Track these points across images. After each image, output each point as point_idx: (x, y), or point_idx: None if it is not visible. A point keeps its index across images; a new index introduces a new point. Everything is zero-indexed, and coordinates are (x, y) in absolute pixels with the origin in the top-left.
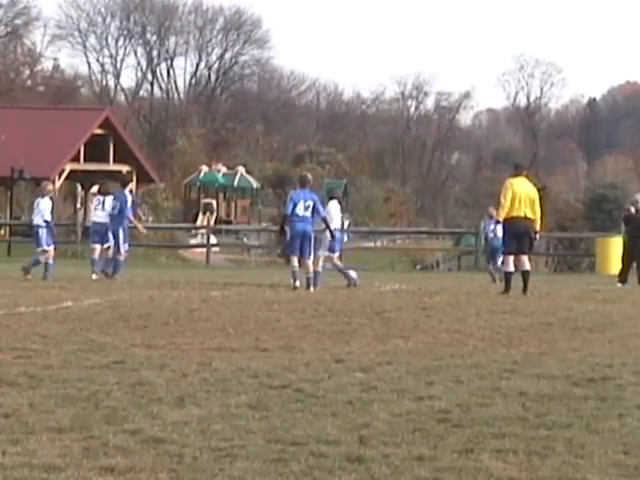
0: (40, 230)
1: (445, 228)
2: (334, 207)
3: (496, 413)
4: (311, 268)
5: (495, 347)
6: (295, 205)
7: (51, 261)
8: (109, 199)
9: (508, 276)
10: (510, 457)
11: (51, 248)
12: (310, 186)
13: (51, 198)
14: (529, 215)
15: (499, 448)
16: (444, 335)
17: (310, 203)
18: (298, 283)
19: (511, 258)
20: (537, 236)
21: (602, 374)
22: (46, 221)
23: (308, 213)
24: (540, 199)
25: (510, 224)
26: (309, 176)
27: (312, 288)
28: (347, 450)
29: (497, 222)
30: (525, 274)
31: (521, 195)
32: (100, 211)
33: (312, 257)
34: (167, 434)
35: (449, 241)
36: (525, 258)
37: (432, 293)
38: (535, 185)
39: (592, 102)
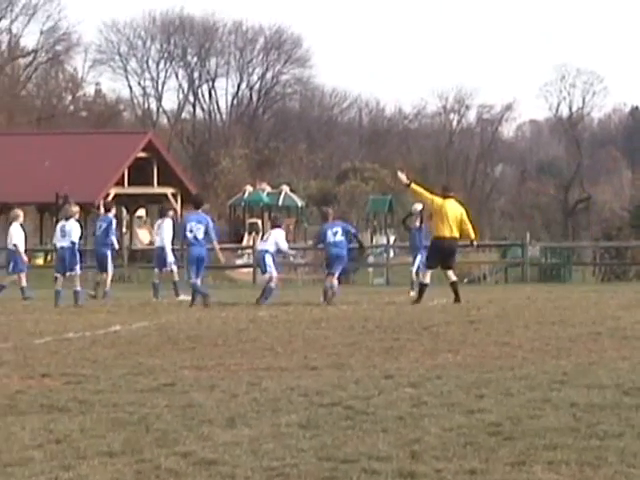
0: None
1: (491, 240)
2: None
3: (547, 424)
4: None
5: (544, 358)
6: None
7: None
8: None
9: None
10: (562, 468)
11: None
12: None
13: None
14: (454, 234)
15: (551, 460)
16: (493, 348)
17: (338, 229)
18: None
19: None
20: (474, 243)
21: None
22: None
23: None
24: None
25: (436, 242)
26: (330, 211)
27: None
28: (399, 466)
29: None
30: (454, 284)
31: (449, 215)
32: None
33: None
34: (218, 455)
35: (495, 253)
36: (450, 272)
37: (479, 306)
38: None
39: (635, 110)
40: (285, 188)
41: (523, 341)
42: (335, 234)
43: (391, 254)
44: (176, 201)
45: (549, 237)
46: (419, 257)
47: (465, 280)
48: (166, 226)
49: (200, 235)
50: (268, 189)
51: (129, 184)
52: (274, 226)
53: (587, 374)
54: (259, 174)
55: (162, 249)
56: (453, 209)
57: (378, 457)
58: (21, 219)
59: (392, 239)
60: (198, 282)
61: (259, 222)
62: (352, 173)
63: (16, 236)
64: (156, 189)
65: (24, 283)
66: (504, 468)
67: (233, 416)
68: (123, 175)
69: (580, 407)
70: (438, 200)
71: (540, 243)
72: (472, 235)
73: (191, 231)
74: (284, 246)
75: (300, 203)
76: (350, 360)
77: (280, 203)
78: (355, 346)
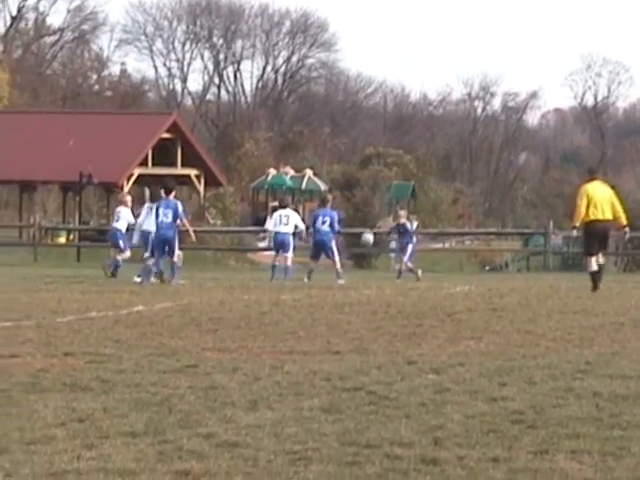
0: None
1: (513, 229)
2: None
3: (570, 414)
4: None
5: (567, 348)
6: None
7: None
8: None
9: (594, 275)
10: (585, 458)
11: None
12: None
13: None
14: (607, 217)
15: (574, 449)
16: (516, 336)
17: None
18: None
19: (593, 259)
20: (627, 230)
21: None
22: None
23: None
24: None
25: (589, 227)
26: (329, 197)
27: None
28: (421, 452)
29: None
30: (600, 267)
31: (598, 198)
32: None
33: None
34: (241, 438)
35: (517, 242)
36: (600, 255)
37: (502, 294)
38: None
39: None
40: (308, 172)
41: (546, 330)
42: (324, 223)
43: (414, 240)
44: (199, 183)
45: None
46: (410, 247)
47: (487, 268)
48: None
49: (168, 219)
50: (291, 172)
51: (153, 165)
52: (283, 206)
53: (610, 364)
54: (282, 157)
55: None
56: (601, 191)
57: (401, 443)
58: (129, 203)
59: (414, 225)
60: (151, 262)
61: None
62: (375, 158)
63: (128, 217)
64: (180, 170)
65: (122, 258)
66: (527, 456)
67: (256, 399)
68: (147, 156)
69: (603, 397)
70: (584, 186)
71: (563, 232)
72: (624, 219)
73: (160, 216)
74: (302, 226)
75: (323, 187)
76: (373, 345)
77: (303, 187)
78: (378, 331)
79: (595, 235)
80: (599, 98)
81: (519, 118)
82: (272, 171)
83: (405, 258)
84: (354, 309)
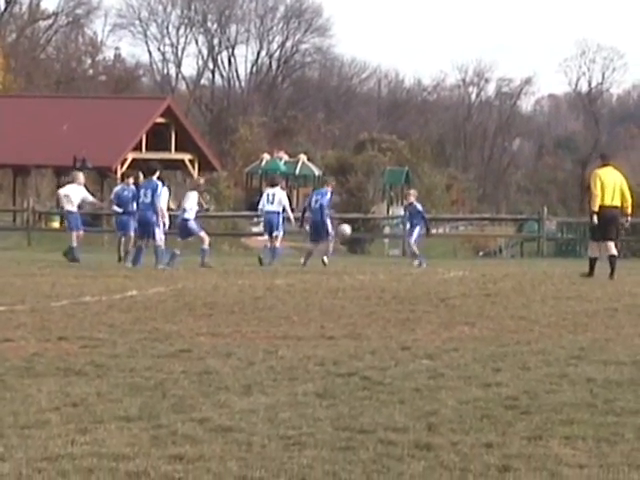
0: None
1: (507, 215)
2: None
3: (564, 400)
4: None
5: (561, 333)
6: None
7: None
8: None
9: (592, 262)
10: (579, 444)
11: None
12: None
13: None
14: (616, 203)
15: (568, 435)
16: (509, 322)
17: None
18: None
19: (596, 245)
20: (628, 219)
21: None
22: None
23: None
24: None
25: (598, 213)
26: (328, 180)
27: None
28: (415, 437)
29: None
30: (612, 259)
31: (609, 184)
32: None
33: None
34: (235, 422)
35: (511, 227)
36: (612, 244)
37: (496, 280)
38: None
39: None
40: (302, 157)
41: (540, 316)
42: (316, 202)
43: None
44: (194, 167)
45: (566, 212)
46: (417, 229)
47: (480, 253)
48: (192, 197)
49: (147, 199)
50: (285, 158)
51: (147, 149)
52: (273, 184)
53: (604, 350)
54: (277, 143)
55: (186, 220)
56: (612, 177)
57: (395, 428)
58: (201, 187)
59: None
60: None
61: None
62: (369, 144)
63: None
64: (174, 155)
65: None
66: (521, 442)
67: (250, 384)
68: (141, 140)
69: (597, 383)
70: (596, 172)
71: (557, 218)
72: (629, 208)
73: (141, 196)
74: (288, 205)
75: (317, 172)
76: (367, 330)
77: (297, 172)
78: (372, 317)
79: (602, 221)
80: (593, 84)
81: (513, 104)
82: (266, 156)
83: (411, 239)
84: (348, 294)
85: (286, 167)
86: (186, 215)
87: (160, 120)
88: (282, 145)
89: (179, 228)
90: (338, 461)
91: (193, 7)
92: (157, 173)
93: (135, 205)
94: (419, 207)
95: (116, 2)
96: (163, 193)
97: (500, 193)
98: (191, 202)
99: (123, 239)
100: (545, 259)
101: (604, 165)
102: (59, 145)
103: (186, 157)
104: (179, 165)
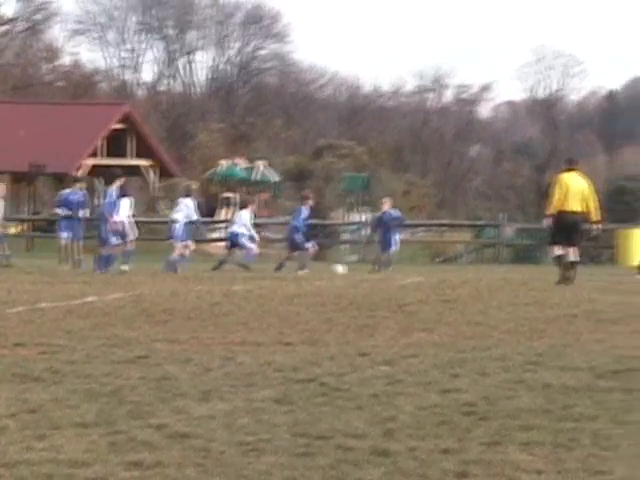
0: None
1: (466, 220)
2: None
3: (521, 405)
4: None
5: (519, 339)
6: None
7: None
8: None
9: (558, 260)
10: (536, 449)
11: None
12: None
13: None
14: (580, 209)
15: (525, 440)
16: (467, 328)
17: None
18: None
19: (556, 247)
20: (599, 226)
21: (627, 366)
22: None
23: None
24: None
25: (559, 217)
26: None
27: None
28: (373, 443)
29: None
30: (572, 264)
31: (573, 189)
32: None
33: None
34: (193, 429)
35: (470, 233)
36: (572, 249)
37: (454, 286)
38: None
39: (611, 94)
40: (260, 163)
41: (498, 322)
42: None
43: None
44: (154, 173)
45: (524, 218)
46: (397, 237)
47: (439, 259)
48: (187, 204)
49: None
50: (243, 164)
51: (105, 155)
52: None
53: (562, 356)
54: (235, 148)
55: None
56: (576, 183)
57: (353, 434)
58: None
59: (364, 217)
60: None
61: (234, 196)
62: (328, 150)
63: (185, 209)
64: (132, 161)
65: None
66: (478, 448)
67: (208, 390)
68: (99, 146)
69: (554, 389)
70: (560, 176)
71: (515, 224)
72: (594, 215)
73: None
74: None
75: (275, 178)
76: (325, 337)
77: (255, 178)
78: (330, 323)
79: (562, 226)
80: (551, 91)
81: (471, 110)
82: (224, 162)
83: (392, 249)
84: (305, 300)
85: (244, 173)
86: (235, 229)
87: (118, 126)
88: (241, 151)
89: (230, 241)
90: (297, 467)
91: (151, 13)
92: (118, 181)
93: (88, 211)
94: (395, 214)
95: (74, 8)
96: (123, 202)
97: (459, 199)
98: (188, 210)
99: (64, 243)
100: (503, 265)
101: (569, 170)
102: (16, 151)
103: (145, 163)
104: (138, 171)
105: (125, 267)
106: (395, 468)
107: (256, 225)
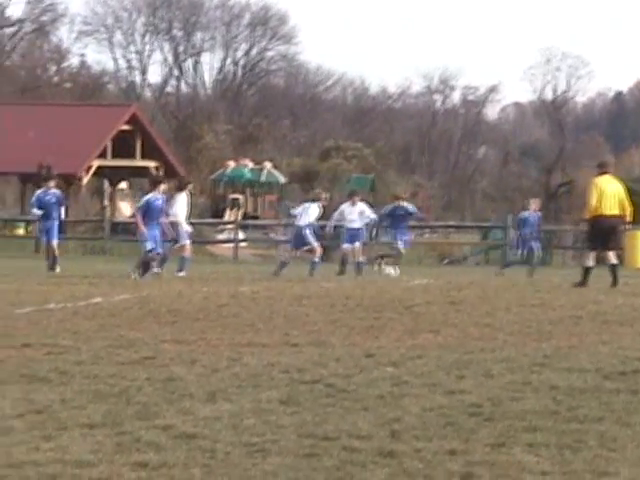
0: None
1: (472, 222)
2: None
3: (527, 407)
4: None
5: (525, 341)
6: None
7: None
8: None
9: (587, 271)
10: (542, 451)
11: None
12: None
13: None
14: (616, 212)
15: (531, 442)
16: (474, 329)
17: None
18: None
19: (592, 254)
20: (626, 226)
21: (633, 367)
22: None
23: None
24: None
25: (596, 221)
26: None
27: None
28: (379, 445)
29: None
30: (613, 268)
31: (608, 193)
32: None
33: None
34: (199, 429)
35: (477, 235)
36: (612, 253)
37: (461, 287)
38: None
39: (619, 95)
40: (267, 164)
41: (504, 323)
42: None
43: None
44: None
45: None
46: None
47: (445, 261)
48: (181, 200)
49: None
50: (250, 165)
51: (112, 156)
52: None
53: (568, 357)
54: (242, 150)
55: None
56: (611, 186)
57: (358, 435)
58: (189, 187)
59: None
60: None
61: (241, 198)
62: (335, 151)
63: (179, 205)
64: (139, 162)
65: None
66: (484, 449)
67: (214, 391)
68: (106, 147)
69: (560, 390)
70: (595, 180)
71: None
72: (628, 217)
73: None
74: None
75: (282, 180)
76: (331, 338)
77: (262, 179)
78: (336, 324)
79: (600, 230)
80: (558, 92)
81: (478, 112)
82: (231, 163)
83: (401, 244)
84: (312, 301)
85: (251, 174)
86: (301, 223)
87: (125, 127)
88: (247, 152)
89: (295, 237)
90: (302, 468)
91: (158, 14)
92: (162, 185)
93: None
94: (410, 208)
95: (82, 9)
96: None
97: (465, 201)
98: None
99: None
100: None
101: (602, 173)
102: (24, 152)
103: (151, 164)
104: (144, 172)
105: (182, 273)
106: (401, 469)
107: (262, 227)
